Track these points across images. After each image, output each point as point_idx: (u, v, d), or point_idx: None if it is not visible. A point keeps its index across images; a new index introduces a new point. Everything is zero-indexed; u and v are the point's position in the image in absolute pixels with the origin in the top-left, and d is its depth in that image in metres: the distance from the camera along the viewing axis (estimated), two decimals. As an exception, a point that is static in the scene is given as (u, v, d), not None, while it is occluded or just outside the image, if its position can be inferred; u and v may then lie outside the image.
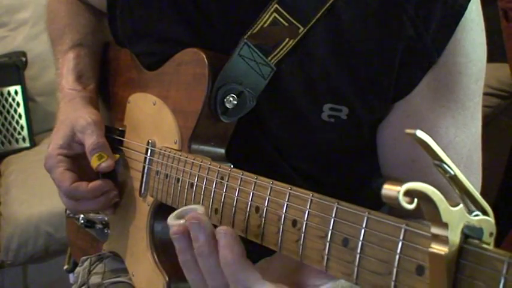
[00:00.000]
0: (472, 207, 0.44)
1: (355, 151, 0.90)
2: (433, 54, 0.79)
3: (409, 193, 0.40)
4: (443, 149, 0.43)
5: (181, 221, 0.66)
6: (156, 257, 0.90)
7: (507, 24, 2.03)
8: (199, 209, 0.66)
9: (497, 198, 2.16)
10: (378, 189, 0.95)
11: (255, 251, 0.69)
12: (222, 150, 0.87)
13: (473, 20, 0.80)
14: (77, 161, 0.99)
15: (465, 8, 0.78)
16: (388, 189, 0.40)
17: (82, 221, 1.09)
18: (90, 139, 0.96)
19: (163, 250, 0.91)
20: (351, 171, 0.94)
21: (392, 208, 0.58)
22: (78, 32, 1.14)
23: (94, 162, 0.95)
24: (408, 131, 0.41)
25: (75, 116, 1.00)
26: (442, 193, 0.42)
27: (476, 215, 0.43)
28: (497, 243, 0.44)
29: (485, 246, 0.42)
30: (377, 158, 0.90)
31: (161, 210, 0.91)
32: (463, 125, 0.83)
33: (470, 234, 0.42)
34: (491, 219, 0.43)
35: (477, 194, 0.43)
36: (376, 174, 0.94)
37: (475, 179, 0.87)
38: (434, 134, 0.82)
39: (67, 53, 1.11)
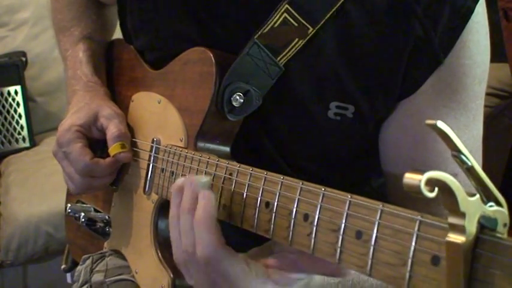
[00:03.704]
0: (486, 199, 0.45)
1: (359, 149, 0.90)
2: (439, 55, 0.79)
3: (429, 182, 0.40)
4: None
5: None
6: (160, 254, 0.91)
7: (507, 24, 2.04)
8: (204, 177, 0.72)
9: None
10: (377, 188, 0.95)
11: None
12: (227, 148, 0.87)
13: (479, 22, 0.80)
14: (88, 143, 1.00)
15: (472, 11, 0.78)
16: (410, 179, 0.40)
17: (83, 220, 1.09)
18: (117, 127, 0.97)
19: (168, 247, 0.91)
20: (353, 169, 0.94)
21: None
22: (87, 26, 1.15)
23: (115, 149, 0.96)
24: (428, 121, 0.42)
25: (102, 103, 1.01)
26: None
27: (491, 206, 0.44)
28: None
29: (500, 235, 0.43)
30: (379, 156, 0.90)
31: (165, 208, 0.91)
32: (465, 126, 0.83)
33: (485, 224, 0.43)
34: (505, 210, 0.44)
35: (492, 186, 0.44)
36: (376, 172, 0.95)
37: None
38: None
39: (77, 44, 1.12)
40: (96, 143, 1.01)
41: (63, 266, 1.29)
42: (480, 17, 0.80)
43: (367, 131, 0.86)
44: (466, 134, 0.84)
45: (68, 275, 1.31)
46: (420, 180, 0.39)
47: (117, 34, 1.16)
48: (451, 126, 0.80)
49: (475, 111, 0.84)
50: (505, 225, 0.44)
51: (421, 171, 0.40)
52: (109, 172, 0.98)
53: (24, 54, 2.48)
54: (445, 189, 0.41)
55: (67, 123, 0.99)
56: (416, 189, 0.40)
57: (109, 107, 1.00)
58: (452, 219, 0.42)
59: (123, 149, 0.96)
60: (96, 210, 1.11)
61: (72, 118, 1.00)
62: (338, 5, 0.80)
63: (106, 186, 1.02)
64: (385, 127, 0.87)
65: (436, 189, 0.41)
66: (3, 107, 2.38)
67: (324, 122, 0.84)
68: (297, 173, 0.89)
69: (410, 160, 0.85)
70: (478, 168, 0.43)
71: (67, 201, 1.20)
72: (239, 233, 0.73)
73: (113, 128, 0.97)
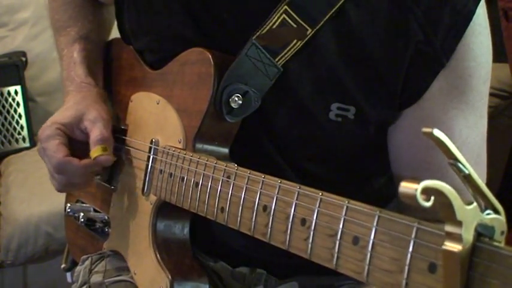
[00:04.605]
0: (484, 206, 0.44)
1: (361, 151, 0.90)
2: (442, 58, 0.79)
3: (426, 191, 0.40)
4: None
5: None
6: (158, 255, 0.91)
7: (507, 24, 2.04)
8: None
9: (497, 198, 2.17)
10: (378, 189, 0.95)
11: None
12: (226, 150, 0.87)
13: (481, 23, 0.81)
14: (70, 144, 0.99)
15: (473, 13, 0.79)
16: (406, 187, 0.40)
17: (82, 220, 1.09)
18: (100, 130, 0.96)
19: (166, 249, 0.92)
20: (354, 170, 0.94)
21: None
22: (84, 26, 1.14)
23: (96, 151, 0.95)
24: (425, 129, 0.41)
25: (90, 106, 1.01)
26: (454, 193, 0.42)
27: (488, 214, 0.43)
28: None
29: (497, 244, 0.42)
30: (380, 157, 0.90)
31: (164, 209, 0.91)
32: (474, 125, 0.84)
33: (482, 232, 0.43)
34: (502, 218, 0.44)
35: (490, 193, 0.43)
36: (378, 174, 0.95)
37: (482, 175, 0.88)
38: (449, 136, 0.83)
39: (73, 45, 1.12)
40: (80, 145, 1.01)
41: (63, 265, 1.29)
42: (481, 18, 0.80)
43: (368, 133, 0.86)
44: (474, 132, 0.85)
45: (68, 275, 1.30)
46: (416, 189, 0.39)
47: (115, 33, 1.16)
48: (461, 126, 0.83)
49: (481, 109, 0.85)
50: (502, 233, 0.44)
51: (417, 180, 0.40)
52: (83, 173, 0.97)
53: (24, 54, 2.48)
54: (442, 198, 0.40)
55: (50, 120, 1.00)
56: (412, 198, 0.39)
57: (96, 110, 1.00)
58: (448, 228, 0.42)
59: (104, 151, 0.95)
60: (95, 210, 1.11)
61: (57, 116, 1.00)
62: (337, 6, 0.79)
63: (85, 187, 1.03)
64: (396, 133, 0.87)
65: (433, 198, 0.40)
66: (3, 107, 2.38)
67: (325, 123, 0.84)
68: (298, 174, 0.89)
69: (425, 164, 0.85)
70: (475, 176, 0.43)
71: (67, 201, 1.20)
72: (241, 236, 0.72)
73: (96, 132, 0.96)
